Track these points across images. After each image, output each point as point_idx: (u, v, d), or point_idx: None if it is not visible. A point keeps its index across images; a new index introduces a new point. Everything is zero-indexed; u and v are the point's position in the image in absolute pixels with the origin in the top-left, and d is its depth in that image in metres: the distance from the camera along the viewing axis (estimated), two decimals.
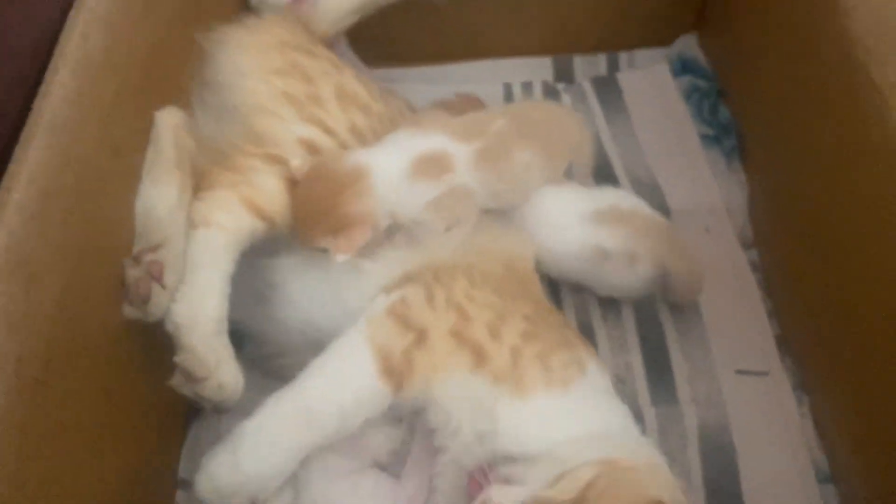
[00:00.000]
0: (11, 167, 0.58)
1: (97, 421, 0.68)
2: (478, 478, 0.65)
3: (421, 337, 0.69)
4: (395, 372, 0.68)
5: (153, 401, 0.77)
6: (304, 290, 0.80)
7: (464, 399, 0.69)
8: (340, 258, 0.75)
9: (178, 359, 0.67)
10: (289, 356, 0.83)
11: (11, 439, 0.54)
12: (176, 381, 0.69)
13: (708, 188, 1.04)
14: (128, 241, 0.70)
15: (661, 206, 1.02)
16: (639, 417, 0.86)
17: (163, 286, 0.68)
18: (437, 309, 0.71)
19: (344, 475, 0.73)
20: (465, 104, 0.99)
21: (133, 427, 0.75)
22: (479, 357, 0.69)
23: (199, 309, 0.69)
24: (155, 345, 0.69)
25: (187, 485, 0.84)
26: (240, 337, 0.86)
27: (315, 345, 0.80)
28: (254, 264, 0.81)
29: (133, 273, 0.67)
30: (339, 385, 0.69)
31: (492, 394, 0.68)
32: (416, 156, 0.79)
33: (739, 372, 0.91)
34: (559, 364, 0.71)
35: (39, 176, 0.58)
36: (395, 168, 0.78)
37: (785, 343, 0.93)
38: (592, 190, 0.93)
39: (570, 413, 0.69)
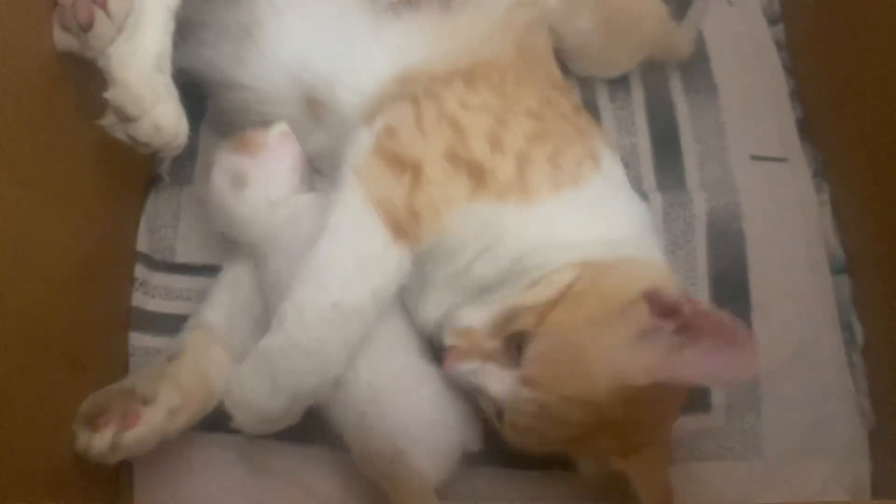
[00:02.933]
0: None
1: (39, 178, 0.60)
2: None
3: (415, 174, 0.61)
4: (404, 230, 0.61)
5: (102, 162, 0.68)
6: (303, 24, 0.70)
7: (469, 225, 0.62)
8: None
9: (108, 94, 0.58)
10: (267, 104, 0.73)
11: None
12: (107, 120, 0.59)
13: None
14: None
15: None
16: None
17: (107, 14, 0.57)
18: (427, 131, 0.63)
19: None
20: None
21: (83, 192, 0.67)
22: (478, 178, 0.62)
23: (134, 40, 0.59)
24: (94, 87, 0.59)
25: (146, 258, 0.76)
26: (204, 89, 0.76)
27: (301, 91, 0.71)
28: None
29: None
30: (359, 268, 0.61)
31: (496, 210, 0.62)
32: None
33: (755, 158, 0.83)
34: (571, 161, 0.64)
35: None
36: None
37: (806, 127, 0.86)
38: None
39: (580, 213, 0.64)
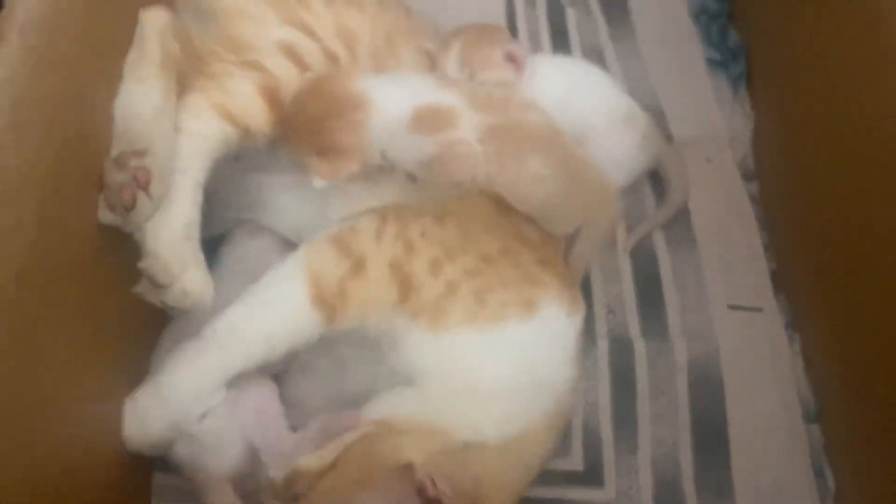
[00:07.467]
0: None
1: (82, 335, 0.65)
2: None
3: (358, 266, 0.68)
4: (327, 301, 0.67)
5: (136, 320, 0.74)
6: (293, 206, 0.79)
7: (384, 331, 0.68)
8: (318, 183, 0.71)
9: (142, 264, 0.65)
10: None
11: None
12: (141, 287, 0.66)
13: (711, 116, 1.01)
14: (109, 147, 0.66)
15: (664, 132, 0.98)
16: (628, 349, 0.86)
17: (149, 196, 0.64)
18: (383, 242, 0.69)
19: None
20: (488, 32, 0.88)
21: (117, 345, 0.71)
22: (406, 290, 0.68)
23: (165, 214, 0.66)
24: (131, 257, 0.66)
25: None
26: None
27: None
28: (246, 177, 0.79)
29: (117, 178, 0.63)
30: (267, 309, 0.68)
31: (406, 326, 0.68)
32: (422, 105, 0.73)
33: (732, 307, 0.90)
34: (497, 301, 0.68)
35: (13, 83, 0.53)
36: (395, 110, 0.72)
37: (779, 279, 0.92)
38: None
39: (484, 354, 0.68)
